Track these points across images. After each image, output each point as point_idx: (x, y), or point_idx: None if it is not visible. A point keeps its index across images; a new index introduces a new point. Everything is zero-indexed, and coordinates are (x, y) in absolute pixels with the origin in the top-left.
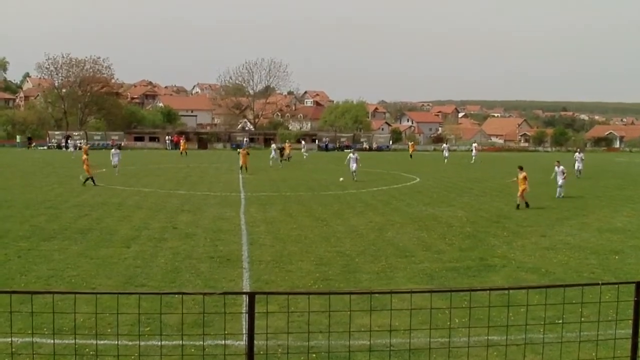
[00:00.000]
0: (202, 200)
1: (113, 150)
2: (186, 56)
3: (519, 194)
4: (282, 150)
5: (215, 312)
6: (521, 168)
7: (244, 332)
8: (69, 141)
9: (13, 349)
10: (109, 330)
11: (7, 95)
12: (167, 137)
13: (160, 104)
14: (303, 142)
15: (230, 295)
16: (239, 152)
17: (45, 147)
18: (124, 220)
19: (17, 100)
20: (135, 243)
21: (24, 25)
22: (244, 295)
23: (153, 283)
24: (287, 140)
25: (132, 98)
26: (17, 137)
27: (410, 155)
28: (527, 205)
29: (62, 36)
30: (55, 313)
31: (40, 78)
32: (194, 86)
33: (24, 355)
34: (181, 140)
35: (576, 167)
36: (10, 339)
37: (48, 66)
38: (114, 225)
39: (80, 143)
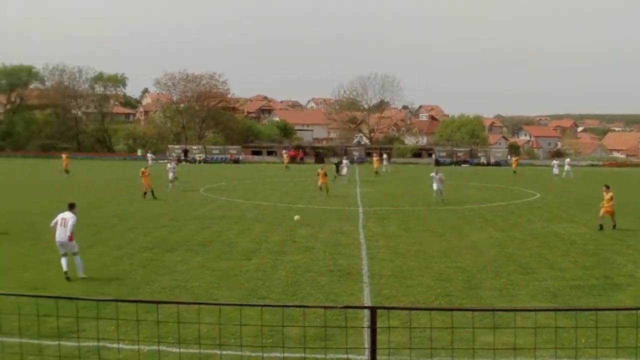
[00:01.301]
0: (320, 214)
1: (169, 165)
2: (301, 71)
3: (600, 213)
4: (338, 165)
5: (336, 326)
6: (607, 187)
7: (366, 346)
8: (184, 155)
9: (140, 357)
10: (232, 341)
11: (127, 110)
12: (283, 151)
13: (276, 118)
14: (385, 155)
15: (352, 309)
16: (318, 173)
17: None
18: (243, 233)
19: (136, 115)
20: (256, 256)
21: (140, 42)
22: (366, 310)
23: (274, 296)
24: (375, 154)
25: (248, 112)
26: (138, 150)
27: (514, 171)
28: (614, 227)
29: (179, 52)
30: (180, 323)
31: (158, 93)
32: (309, 101)
33: None
34: (284, 154)
35: None
36: (137, 347)
37: (166, 82)
38: (234, 238)
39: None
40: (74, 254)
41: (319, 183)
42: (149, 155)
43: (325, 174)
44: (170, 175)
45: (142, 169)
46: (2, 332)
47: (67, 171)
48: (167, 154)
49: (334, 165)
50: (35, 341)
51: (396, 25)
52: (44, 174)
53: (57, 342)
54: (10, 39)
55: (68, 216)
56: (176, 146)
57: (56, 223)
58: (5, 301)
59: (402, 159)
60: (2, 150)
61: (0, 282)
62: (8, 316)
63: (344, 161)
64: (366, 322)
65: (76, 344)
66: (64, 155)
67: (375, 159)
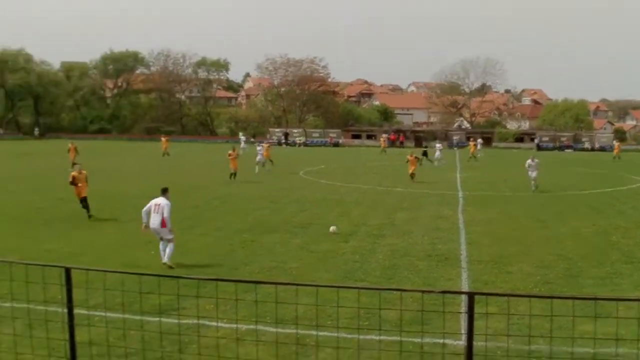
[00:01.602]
0: (419, 198)
1: (258, 147)
2: (401, 55)
3: None
4: (425, 150)
5: (433, 311)
6: None
7: (463, 332)
8: (284, 138)
9: (238, 335)
10: (329, 322)
11: (229, 94)
12: (383, 135)
13: (376, 102)
14: (480, 140)
15: (449, 294)
16: (407, 161)
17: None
18: (343, 215)
19: (238, 99)
20: (354, 238)
21: (242, 28)
22: (463, 295)
23: (371, 278)
24: (472, 139)
25: (349, 96)
26: (240, 133)
27: (618, 157)
28: None
29: (279, 39)
30: (278, 303)
31: (260, 77)
32: (409, 85)
33: (248, 341)
34: (382, 138)
35: None
36: (235, 325)
37: (267, 66)
38: (333, 221)
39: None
40: (169, 240)
41: (410, 170)
42: (241, 137)
43: (417, 158)
44: (259, 157)
45: (230, 151)
46: (107, 308)
47: (168, 154)
48: (268, 137)
49: (423, 150)
50: (138, 317)
51: (499, 7)
52: (148, 156)
53: (158, 319)
54: (114, 29)
55: (162, 203)
56: (277, 129)
57: (149, 209)
58: (111, 278)
59: (504, 143)
60: (109, 133)
61: (107, 261)
62: (112, 292)
63: (437, 145)
64: (464, 308)
65: (176, 321)
66: (163, 139)
67: (472, 143)
